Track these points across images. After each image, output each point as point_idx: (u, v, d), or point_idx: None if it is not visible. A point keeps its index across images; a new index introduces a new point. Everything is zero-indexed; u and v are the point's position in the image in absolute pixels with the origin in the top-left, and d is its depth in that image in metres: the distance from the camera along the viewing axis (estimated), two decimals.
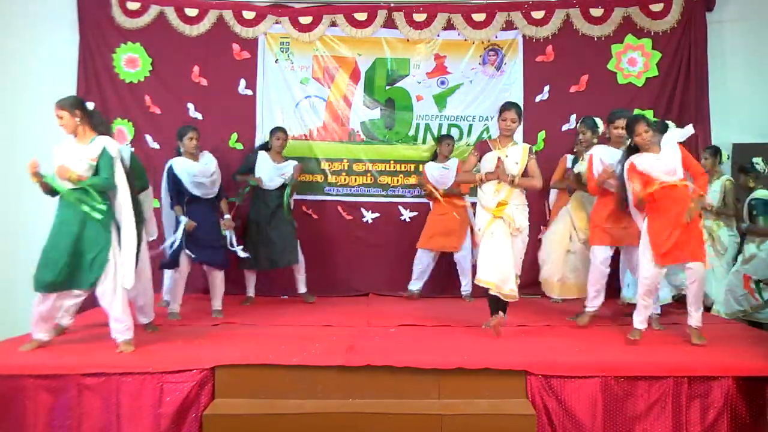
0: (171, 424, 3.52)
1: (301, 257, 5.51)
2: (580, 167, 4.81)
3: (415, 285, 5.79)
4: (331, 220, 6.15)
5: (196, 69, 6.10)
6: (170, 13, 6.06)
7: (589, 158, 4.52)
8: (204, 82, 6.11)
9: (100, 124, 3.93)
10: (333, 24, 6.13)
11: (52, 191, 3.75)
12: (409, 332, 4.42)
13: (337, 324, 4.66)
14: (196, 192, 4.86)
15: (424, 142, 6.03)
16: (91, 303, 4.27)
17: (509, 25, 6.11)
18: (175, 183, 4.86)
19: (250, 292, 5.55)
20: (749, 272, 4.90)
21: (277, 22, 6.13)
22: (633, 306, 4.22)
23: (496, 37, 6.13)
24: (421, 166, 5.92)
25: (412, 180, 6.13)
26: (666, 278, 4.52)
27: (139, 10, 6.06)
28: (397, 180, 6.17)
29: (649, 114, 5.97)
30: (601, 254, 4.44)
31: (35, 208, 3.88)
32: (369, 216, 6.18)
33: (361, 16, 6.12)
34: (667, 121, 4.92)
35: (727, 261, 5.22)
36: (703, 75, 5.94)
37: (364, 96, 6.20)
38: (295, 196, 5.77)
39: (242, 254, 5.07)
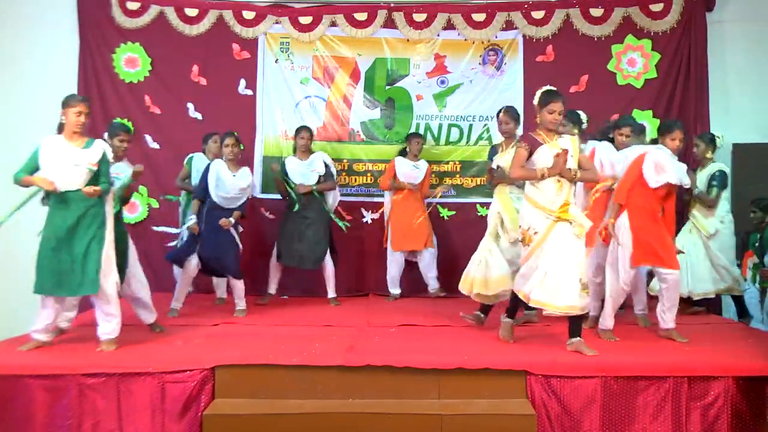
0: (171, 424, 3.51)
1: (331, 264, 5.49)
2: (501, 160, 4.50)
3: (397, 288, 5.76)
4: (330, 220, 6.14)
5: (195, 69, 6.10)
6: (170, 12, 6.07)
7: (592, 152, 4.41)
8: (204, 82, 6.11)
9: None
10: (333, 24, 6.14)
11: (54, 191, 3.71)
12: (409, 332, 4.41)
13: (337, 324, 4.66)
14: (216, 199, 4.87)
15: (424, 142, 6.03)
16: (91, 303, 4.27)
17: (509, 25, 6.11)
18: (205, 181, 4.91)
19: (271, 289, 5.54)
20: (715, 248, 4.91)
21: (277, 22, 6.14)
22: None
23: (496, 37, 6.14)
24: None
25: None
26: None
27: (139, 10, 6.07)
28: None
29: (648, 114, 5.99)
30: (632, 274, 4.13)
31: (35, 208, 3.87)
32: (369, 216, 6.18)
33: (361, 16, 6.12)
34: (643, 123, 4.96)
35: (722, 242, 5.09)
36: (703, 75, 5.95)
37: (364, 96, 6.21)
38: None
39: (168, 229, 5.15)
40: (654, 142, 4.48)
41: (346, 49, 6.19)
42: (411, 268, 5.85)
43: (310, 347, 3.86)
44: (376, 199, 6.15)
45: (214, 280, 5.56)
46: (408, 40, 6.17)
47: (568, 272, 3.66)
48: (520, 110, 5.98)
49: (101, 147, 3.82)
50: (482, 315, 4.45)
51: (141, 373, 3.54)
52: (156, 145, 6.08)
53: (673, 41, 5.99)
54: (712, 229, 4.94)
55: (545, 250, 3.73)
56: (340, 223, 5.57)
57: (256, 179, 6.01)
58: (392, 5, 6.12)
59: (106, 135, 4.36)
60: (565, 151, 3.73)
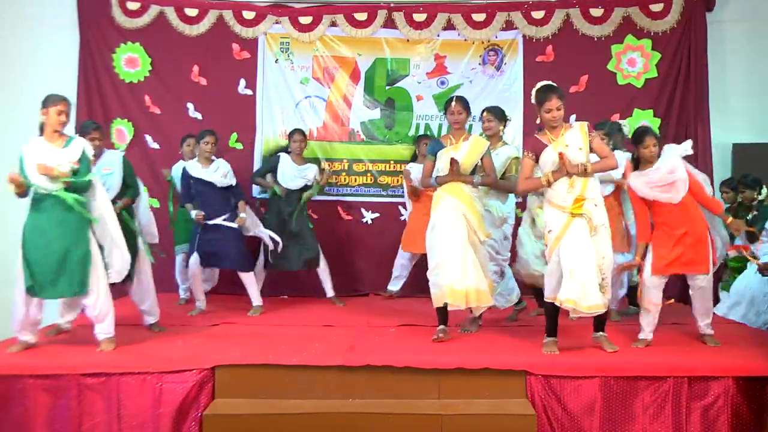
0: (171, 424, 3.51)
1: (323, 262, 5.49)
2: (456, 154, 4.14)
3: (396, 285, 5.75)
4: (330, 220, 6.15)
5: (195, 69, 6.10)
6: (170, 13, 6.06)
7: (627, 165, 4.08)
8: (204, 81, 6.11)
9: None
10: (333, 24, 6.14)
11: (25, 193, 3.70)
12: (409, 332, 4.41)
13: (337, 324, 4.66)
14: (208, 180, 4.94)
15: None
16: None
17: (509, 25, 6.11)
18: (188, 185, 4.99)
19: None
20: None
21: (277, 22, 6.13)
22: None
23: (496, 37, 6.13)
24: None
25: None
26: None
27: (139, 10, 6.06)
28: (397, 180, 6.14)
29: (648, 114, 5.99)
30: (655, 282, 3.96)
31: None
32: (369, 216, 6.18)
33: (361, 16, 6.12)
34: (621, 122, 4.91)
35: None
36: (703, 75, 5.95)
37: (364, 96, 6.20)
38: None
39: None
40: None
41: (346, 49, 6.19)
42: (416, 269, 5.84)
43: (310, 347, 3.86)
44: (376, 199, 6.15)
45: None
46: (408, 40, 6.17)
47: (588, 271, 3.58)
48: (520, 110, 6.08)
49: (80, 144, 3.80)
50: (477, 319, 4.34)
51: (141, 373, 3.54)
52: (156, 145, 6.08)
53: (673, 41, 5.99)
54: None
55: (563, 247, 3.64)
56: (308, 223, 5.52)
57: None
58: (392, 5, 6.12)
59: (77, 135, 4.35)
60: (561, 154, 3.63)
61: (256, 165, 6.06)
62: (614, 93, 6.01)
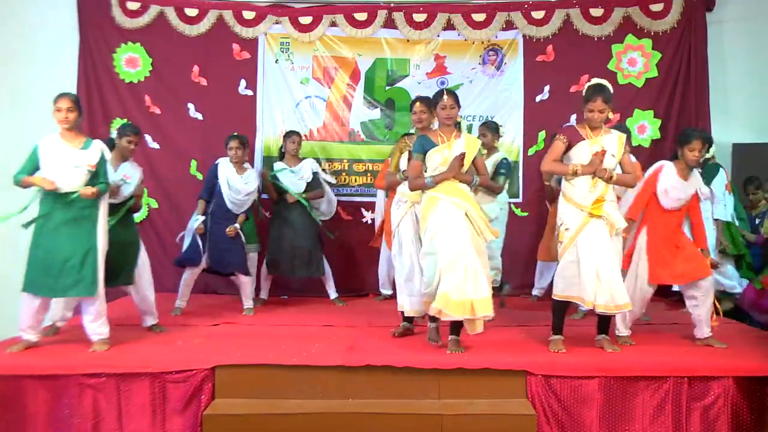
0: (171, 424, 3.52)
1: (327, 267, 5.51)
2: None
3: (388, 289, 5.69)
4: (331, 220, 6.13)
5: (196, 69, 6.09)
6: (170, 13, 6.06)
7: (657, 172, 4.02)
8: (204, 82, 6.11)
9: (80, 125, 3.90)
10: (333, 24, 6.13)
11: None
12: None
13: (337, 324, 4.66)
14: (226, 202, 4.98)
15: None
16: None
17: (509, 25, 6.10)
18: (212, 182, 5.03)
19: (263, 294, 5.52)
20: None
21: (277, 22, 6.13)
22: None
23: (496, 37, 6.13)
24: None
25: None
26: None
27: (139, 10, 6.06)
28: None
29: (648, 114, 5.99)
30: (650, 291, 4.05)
31: (34, 207, 3.86)
32: (369, 216, 6.18)
33: (361, 16, 6.12)
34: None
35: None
36: (703, 75, 5.95)
37: (364, 96, 6.20)
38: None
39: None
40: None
41: (346, 50, 6.19)
42: None
43: (310, 347, 3.86)
44: (376, 199, 6.15)
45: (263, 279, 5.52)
46: (408, 41, 6.16)
47: (613, 271, 3.61)
48: (520, 110, 6.08)
49: (99, 148, 3.82)
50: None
51: (141, 373, 3.54)
52: (156, 145, 6.07)
53: (673, 41, 5.99)
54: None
55: (579, 247, 3.65)
56: (329, 234, 5.60)
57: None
58: (392, 5, 6.11)
59: (115, 134, 4.37)
60: (604, 151, 3.65)
61: (257, 165, 6.05)
62: (615, 93, 5.86)
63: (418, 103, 4.10)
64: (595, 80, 3.80)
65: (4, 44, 5.95)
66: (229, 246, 4.96)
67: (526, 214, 6.02)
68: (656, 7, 6.00)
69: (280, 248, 5.32)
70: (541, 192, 5.69)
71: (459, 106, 3.88)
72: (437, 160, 3.81)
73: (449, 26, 6.12)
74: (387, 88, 6.21)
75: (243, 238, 5.08)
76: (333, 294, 5.56)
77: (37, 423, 3.49)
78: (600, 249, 3.61)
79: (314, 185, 5.49)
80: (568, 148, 3.75)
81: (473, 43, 6.14)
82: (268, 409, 3.48)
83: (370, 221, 6.17)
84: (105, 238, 3.79)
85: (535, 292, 5.60)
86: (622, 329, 4.01)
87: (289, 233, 5.32)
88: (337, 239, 5.88)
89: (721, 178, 5.17)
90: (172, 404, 3.53)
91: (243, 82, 6.13)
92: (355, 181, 6.21)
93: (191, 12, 6.07)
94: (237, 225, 5.00)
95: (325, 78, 6.19)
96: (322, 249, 5.53)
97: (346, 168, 6.20)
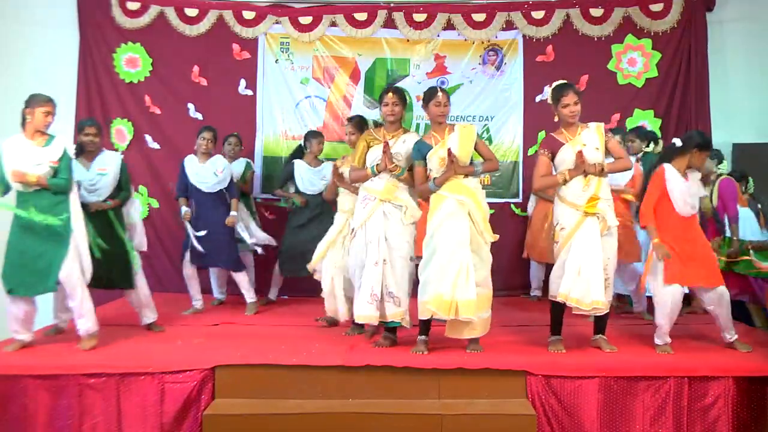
0: (171, 424, 3.52)
1: None
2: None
3: None
4: (331, 220, 6.12)
5: (196, 69, 6.09)
6: (170, 13, 6.06)
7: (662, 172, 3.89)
8: (204, 82, 6.11)
9: None
10: (333, 24, 6.13)
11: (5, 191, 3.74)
12: (409, 332, 4.40)
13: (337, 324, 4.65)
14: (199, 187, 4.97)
15: None
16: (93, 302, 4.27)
17: (509, 25, 6.10)
18: (183, 180, 5.03)
19: (272, 295, 5.51)
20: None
21: (277, 22, 6.13)
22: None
23: (496, 37, 6.12)
24: None
25: None
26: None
27: (139, 10, 6.06)
28: None
29: (649, 114, 5.99)
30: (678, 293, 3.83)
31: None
32: None
33: (361, 16, 6.12)
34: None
35: None
36: (703, 75, 5.94)
37: (364, 96, 6.20)
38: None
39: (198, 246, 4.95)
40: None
41: (346, 49, 6.19)
42: None
43: (310, 347, 3.86)
44: None
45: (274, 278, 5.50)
46: (408, 40, 6.16)
47: (595, 270, 3.60)
48: (520, 110, 6.08)
49: (62, 144, 3.81)
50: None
51: (141, 373, 3.55)
52: (156, 145, 6.07)
53: (674, 41, 5.98)
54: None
55: (573, 246, 3.66)
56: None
57: (257, 180, 6.00)
58: (392, 5, 6.11)
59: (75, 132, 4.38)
60: (581, 153, 3.63)
61: (257, 165, 6.05)
62: (615, 93, 6.01)
63: (390, 94, 3.86)
64: (556, 82, 3.81)
65: (4, 44, 5.94)
66: (218, 241, 4.93)
67: (526, 214, 6.02)
68: (656, 7, 5.99)
69: (293, 253, 5.19)
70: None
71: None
72: (436, 161, 3.79)
73: (449, 26, 6.12)
74: None
75: (237, 233, 5.05)
76: None
77: (37, 423, 3.49)
78: (589, 248, 3.63)
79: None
80: (553, 158, 3.77)
81: (473, 43, 6.14)
82: (268, 409, 3.48)
83: None
84: (82, 231, 3.78)
85: (534, 292, 5.61)
86: (659, 340, 3.87)
87: (303, 234, 5.25)
88: None
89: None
90: (171, 404, 3.52)
91: (243, 82, 6.13)
92: None
93: (191, 12, 6.07)
94: (234, 213, 4.97)
95: (325, 78, 6.19)
96: None
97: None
